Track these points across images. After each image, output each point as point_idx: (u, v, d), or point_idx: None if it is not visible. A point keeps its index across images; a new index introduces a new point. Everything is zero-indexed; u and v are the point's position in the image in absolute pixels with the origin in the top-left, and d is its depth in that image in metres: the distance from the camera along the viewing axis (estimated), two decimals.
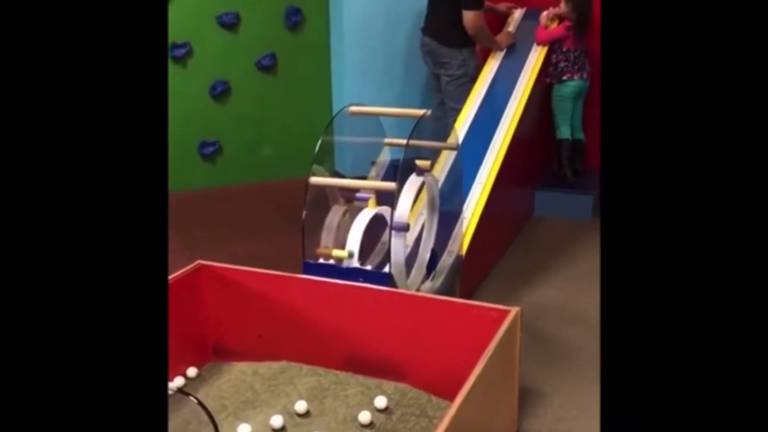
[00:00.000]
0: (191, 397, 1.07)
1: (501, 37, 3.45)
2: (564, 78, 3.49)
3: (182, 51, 3.80)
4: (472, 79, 3.33)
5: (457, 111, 3.20)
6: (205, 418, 1.04)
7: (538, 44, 3.46)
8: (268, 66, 4.00)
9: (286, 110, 4.10)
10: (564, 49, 3.47)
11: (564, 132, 3.56)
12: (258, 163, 4.12)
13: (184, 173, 3.94)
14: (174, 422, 1.74)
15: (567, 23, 3.43)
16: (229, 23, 3.86)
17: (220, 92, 3.94)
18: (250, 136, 4.07)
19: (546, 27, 3.47)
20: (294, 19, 3.98)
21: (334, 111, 4.19)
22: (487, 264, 2.86)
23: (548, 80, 3.52)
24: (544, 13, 3.49)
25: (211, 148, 4.01)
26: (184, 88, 3.84)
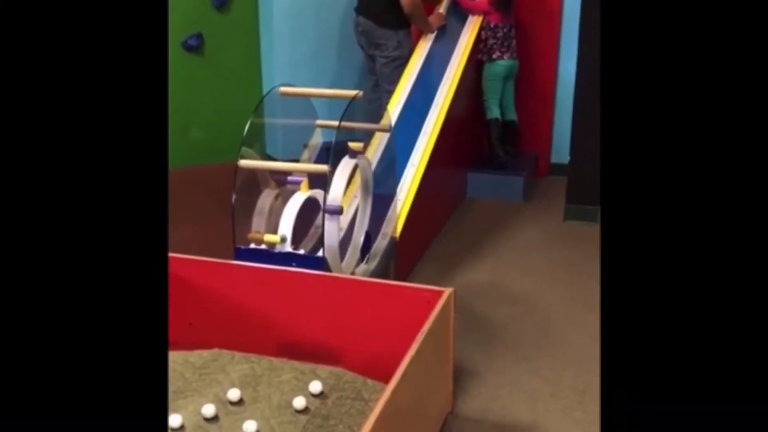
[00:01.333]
0: None
1: (433, 18, 3.45)
2: (494, 57, 3.51)
3: None
4: (407, 60, 3.32)
5: (392, 93, 3.19)
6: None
7: (463, 10, 3.51)
8: (194, 46, 3.87)
9: (214, 92, 3.98)
10: (492, 26, 3.49)
11: (494, 112, 3.59)
12: (186, 147, 3.99)
13: None
14: None
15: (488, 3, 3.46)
16: None
17: None
18: (177, 119, 3.93)
19: None
20: None
21: (265, 92, 4.10)
22: (421, 246, 2.87)
23: (479, 57, 3.54)
24: None
25: None
26: None
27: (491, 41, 3.50)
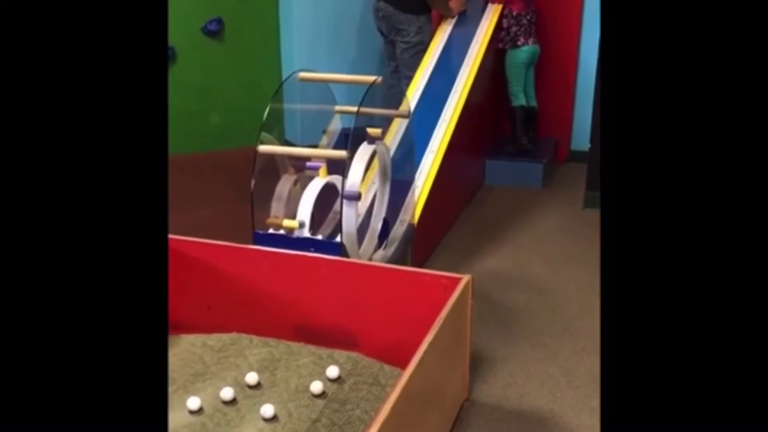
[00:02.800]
0: None
1: (454, 3, 3.42)
2: (519, 43, 3.48)
3: None
4: (428, 46, 3.30)
5: (411, 79, 3.17)
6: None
7: (519, 12, 3.42)
8: (214, 31, 3.88)
9: (233, 77, 4.00)
10: (514, 13, 3.45)
11: (520, 99, 3.56)
12: (205, 132, 4.02)
13: None
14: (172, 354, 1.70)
15: None
16: None
17: None
18: (197, 104, 3.96)
19: None
20: None
21: (284, 78, 4.10)
22: (439, 233, 2.87)
23: (501, 46, 3.51)
24: None
25: None
26: None
27: (514, 29, 3.46)
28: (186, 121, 3.95)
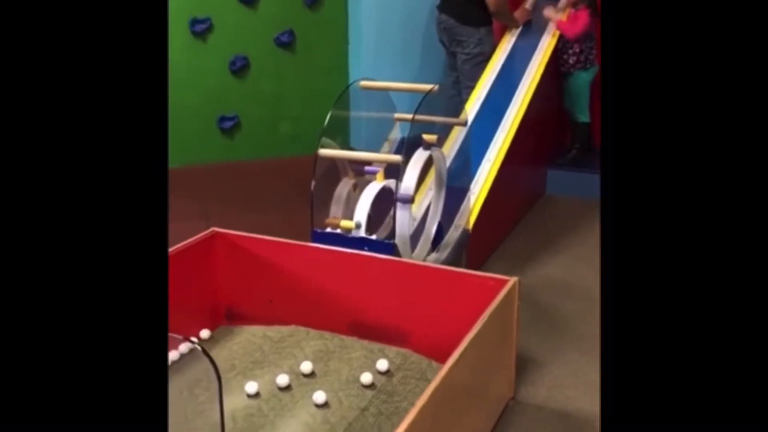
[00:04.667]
0: (199, 347, 1.14)
1: (518, 14, 3.47)
2: (588, 66, 3.49)
3: (203, 27, 3.87)
4: (488, 57, 3.36)
5: (472, 89, 3.24)
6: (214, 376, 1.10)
7: (572, 39, 3.40)
8: (286, 42, 4.06)
9: (303, 86, 4.16)
10: (570, 42, 3.46)
11: (587, 116, 3.57)
12: (275, 139, 4.20)
13: (203, 146, 4.04)
14: (186, 378, 1.84)
15: (585, 9, 3.40)
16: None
17: (239, 68, 4.01)
18: (268, 112, 4.15)
19: (561, 19, 3.40)
20: None
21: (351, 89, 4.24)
22: (495, 240, 2.92)
23: (578, 67, 3.49)
24: (550, 9, 3.44)
25: (230, 123, 4.09)
26: (204, 63, 3.92)
27: (573, 59, 3.46)
28: (258, 128, 4.15)
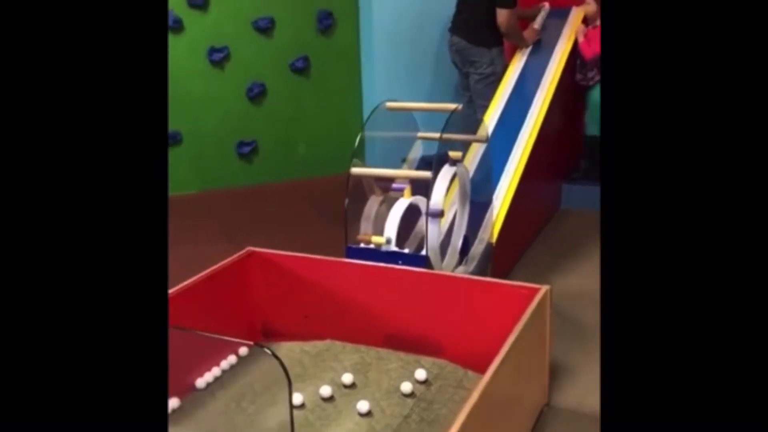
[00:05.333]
0: (267, 351, 1.21)
1: (528, 34, 3.57)
2: (594, 83, 3.59)
3: (220, 55, 3.98)
4: (500, 77, 3.46)
5: (485, 108, 3.33)
6: (279, 373, 1.16)
7: (590, 59, 3.50)
8: (301, 68, 4.17)
9: (318, 110, 4.26)
10: (586, 61, 3.56)
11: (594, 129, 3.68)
12: (292, 162, 4.29)
13: (222, 171, 4.13)
14: (231, 392, 1.89)
15: (600, 27, 3.50)
16: (264, 28, 4.04)
17: (257, 94, 4.11)
18: (285, 136, 4.25)
19: (582, 37, 3.50)
20: (326, 23, 4.14)
21: (365, 111, 4.34)
22: (517, 251, 2.98)
23: (583, 83, 3.60)
24: (580, 28, 3.54)
25: (248, 148, 4.18)
26: (223, 91, 4.03)
27: (591, 73, 3.56)
28: (275, 152, 4.25)
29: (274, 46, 4.09)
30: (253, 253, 2.22)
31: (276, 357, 1.17)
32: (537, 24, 3.66)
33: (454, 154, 2.27)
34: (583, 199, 3.59)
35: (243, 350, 2.16)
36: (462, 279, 2.02)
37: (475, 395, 1.45)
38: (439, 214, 2.13)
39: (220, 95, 4.01)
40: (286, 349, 2.15)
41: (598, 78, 3.57)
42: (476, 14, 3.42)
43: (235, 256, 2.18)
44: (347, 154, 4.75)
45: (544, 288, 1.88)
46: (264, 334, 2.24)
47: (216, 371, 2.02)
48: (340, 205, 3.71)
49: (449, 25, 3.62)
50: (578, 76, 3.60)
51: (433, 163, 2.16)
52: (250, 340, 2.21)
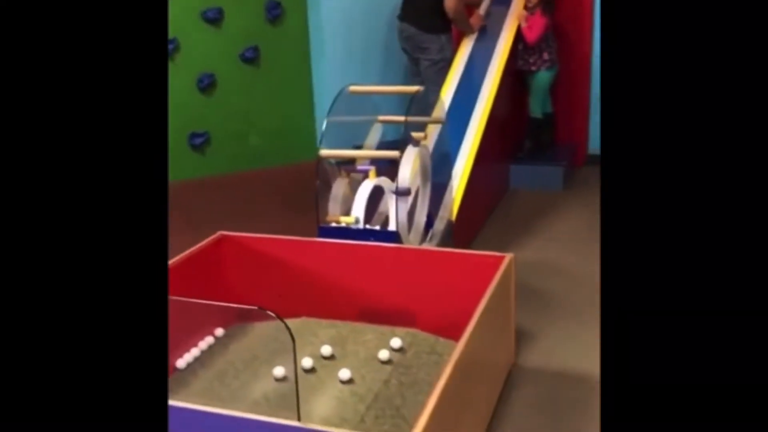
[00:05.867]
0: (271, 313, 1.28)
1: (473, 20, 3.70)
2: (557, 63, 3.77)
3: (169, 47, 3.96)
4: (449, 62, 3.58)
5: (437, 93, 3.44)
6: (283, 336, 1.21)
7: (533, 44, 3.67)
8: (251, 58, 4.19)
9: (270, 100, 4.29)
10: (529, 45, 3.72)
11: (535, 112, 3.86)
12: (246, 152, 4.31)
13: (174, 164, 4.09)
14: (213, 370, 1.95)
15: (537, 13, 3.66)
16: (213, 18, 4.04)
17: (207, 85, 4.11)
18: (237, 126, 4.26)
19: (525, 22, 3.66)
20: (274, 13, 4.18)
21: (316, 99, 4.40)
22: (473, 230, 3.12)
23: (543, 67, 3.75)
24: (522, 15, 3.68)
25: (200, 139, 4.18)
26: (173, 82, 4.00)
27: (533, 57, 3.73)
28: (228, 143, 4.25)
29: (224, 37, 4.10)
30: (225, 237, 2.27)
31: (280, 319, 1.24)
32: (482, 10, 3.80)
33: (417, 135, 2.37)
34: (529, 180, 3.77)
35: (219, 331, 2.21)
36: (431, 251, 2.13)
37: (453, 359, 1.55)
38: (407, 192, 2.23)
39: (170, 87, 3.99)
40: (262, 328, 2.21)
41: (539, 63, 3.74)
42: (425, 1, 3.53)
43: (207, 240, 2.23)
44: (300, 143, 4.79)
45: (508, 256, 2.01)
46: (239, 316, 2.29)
47: (195, 352, 2.07)
48: (300, 193, 3.75)
49: (398, 12, 3.71)
50: (519, 62, 3.76)
51: (399, 143, 2.25)
52: (227, 322, 2.26)
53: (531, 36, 3.65)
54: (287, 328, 1.23)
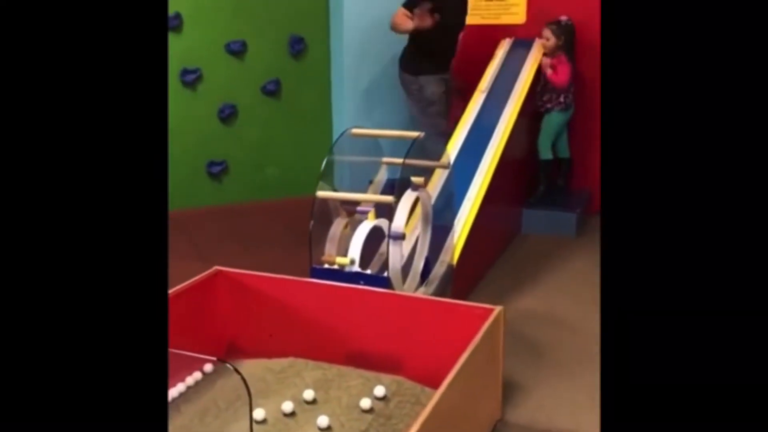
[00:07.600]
0: (229, 366, 1.28)
1: (403, 21, 3.60)
2: (572, 105, 3.77)
3: (193, 77, 4.05)
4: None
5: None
6: (242, 389, 1.22)
7: (564, 87, 3.69)
8: (272, 91, 4.26)
9: (289, 133, 4.35)
10: (556, 87, 3.73)
11: (544, 153, 3.85)
12: (262, 183, 4.36)
13: (192, 191, 4.18)
14: (196, 407, 1.95)
15: (562, 57, 3.68)
16: (237, 51, 4.13)
17: (228, 115, 4.19)
18: (255, 157, 4.32)
19: (550, 69, 3.69)
20: (297, 48, 4.25)
21: (335, 134, 4.44)
22: (476, 274, 3.09)
23: (557, 108, 3.76)
24: (545, 62, 3.71)
25: (219, 168, 4.25)
26: (194, 111, 4.09)
27: (551, 95, 3.74)
28: (246, 173, 4.31)
29: (246, 69, 4.18)
30: (220, 272, 2.28)
31: (237, 372, 1.24)
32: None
33: (416, 179, 2.37)
34: (542, 225, 3.73)
35: (208, 367, 2.22)
36: (420, 299, 2.11)
37: (427, 410, 1.53)
38: (401, 237, 2.22)
39: (191, 115, 4.07)
40: (250, 366, 2.21)
41: (554, 104, 3.74)
42: (408, 45, 3.60)
43: (202, 275, 2.25)
44: (316, 176, 4.82)
45: (497, 309, 1.98)
46: (229, 352, 2.30)
47: (181, 387, 2.08)
48: (308, 226, 3.76)
49: None
50: (537, 104, 3.77)
51: (395, 187, 2.26)
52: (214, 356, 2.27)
53: (559, 80, 3.67)
54: (244, 381, 1.22)
